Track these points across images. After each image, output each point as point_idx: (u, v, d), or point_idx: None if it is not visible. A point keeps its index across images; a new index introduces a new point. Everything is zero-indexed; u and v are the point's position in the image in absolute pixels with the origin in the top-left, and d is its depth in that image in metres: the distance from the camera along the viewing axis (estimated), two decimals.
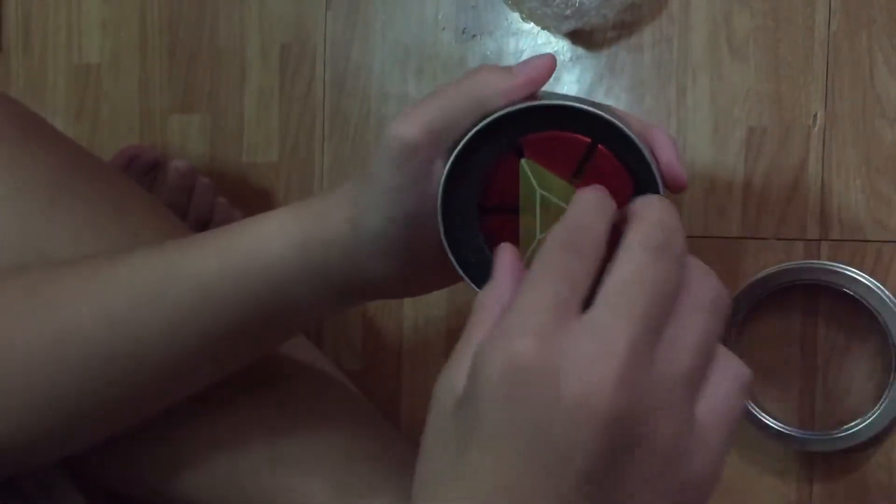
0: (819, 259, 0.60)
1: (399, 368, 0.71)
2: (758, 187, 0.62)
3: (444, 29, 0.71)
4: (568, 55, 0.67)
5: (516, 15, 0.68)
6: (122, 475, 0.55)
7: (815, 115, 0.60)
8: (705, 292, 0.32)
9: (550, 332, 0.30)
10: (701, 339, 0.32)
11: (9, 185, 0.52)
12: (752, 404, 0.61)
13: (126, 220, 0.54)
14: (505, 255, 0.35)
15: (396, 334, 0.72)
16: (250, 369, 0.53)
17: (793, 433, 0.60)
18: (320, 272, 0.43)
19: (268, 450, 0.53)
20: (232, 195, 0.75)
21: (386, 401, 0.71)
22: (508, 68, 0.41)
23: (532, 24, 0.68)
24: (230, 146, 0.78)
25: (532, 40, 0.69)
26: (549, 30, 0.68)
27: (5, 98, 0.61)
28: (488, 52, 0.70)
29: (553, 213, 0.39)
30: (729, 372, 0.33)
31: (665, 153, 0.39)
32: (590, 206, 0.34)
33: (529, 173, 0.40)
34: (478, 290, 0.40)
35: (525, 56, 0.69)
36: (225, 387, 0.52)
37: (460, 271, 0.41)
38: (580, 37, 0.67)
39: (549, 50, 0.68)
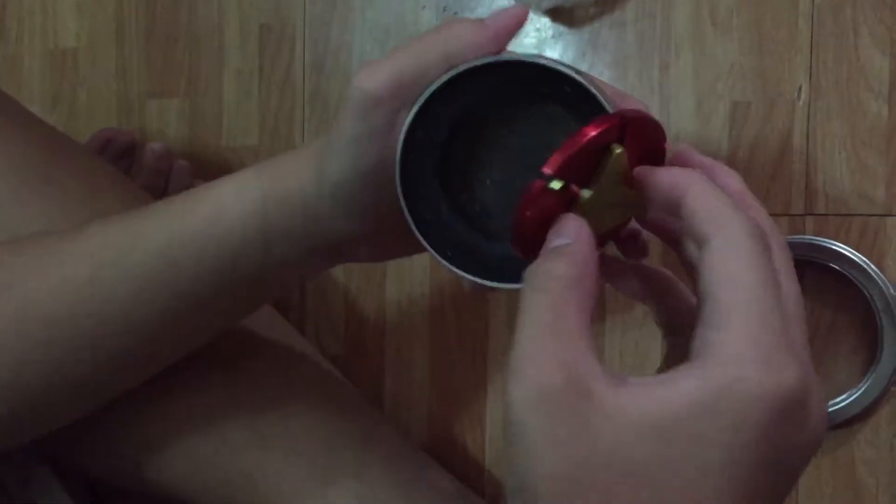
0: (804, 234, 0.60)
1: (382, 350, 0.71)
2: (742, 162, 0.61)
3: (424, 7, 0.70)
4: (549, 32, 0.67)
5: None
6: (103, 464, 0.54)
7: (800, 89, 0.60)
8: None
9: (800, 356, 0.30)
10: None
11: None
12: None
13: (98, 202, 0.53)
14: (577, 227, 0.32)
15: (379, 315, 0.71)
16: (225, 349, 0.53)
17: None
18: (281, 232, 0.42)
19: (248, 431, 0.53)
20: (211, 179, 0.74)
21: (369, 383, 0.70)
22: (480, 21, 0.40)
23: (512, 1, 0.67)
24: (209, 130, 0.77)
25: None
26: (529, 7, 0.67)
27: None
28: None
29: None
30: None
31: None
32: (763, 214, 0.34)
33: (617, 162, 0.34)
34: (430, 248, 0.40)
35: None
36: (199, 367, 0.52)
37: (413, 227, 0.40)
38: (561, 14, 0.66)
39: (530, 28, 0.67)
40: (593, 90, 0.38)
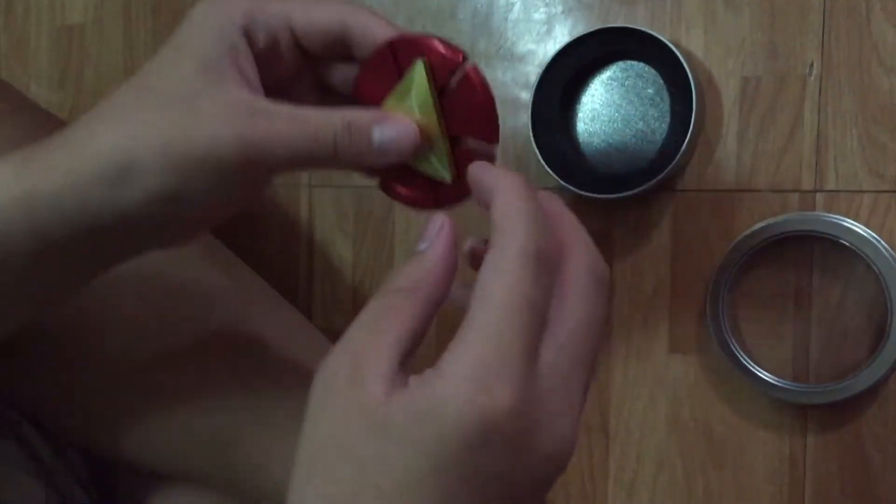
0: (815, 210, 0.60)
1: None
2: (752, 139, 0.61)
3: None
4: (560, 8, 0.66)
5: None
6: (108, 449, 0.54)
7: (811, 65, 0.60)
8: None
9: (526, 380, 0.30)
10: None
11: None
12: (747, 358, 0.60)
13: None
14: (441, 228, 0.34)
15: None
16: (222, 334, 0.52)
17: (787, 386, 0.60)
18: (52, 232, 0.38)
19: (249, 412, 0.52)
20: None
21: None
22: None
23: None
24: None
25: None
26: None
27: None
28: (479, 6, 0.69)
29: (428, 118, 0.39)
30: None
31: None
32: (539, 212, 0.33)
33: (425, 74, 0.38)
34: (545, 164, 0.61)
35: (515, 12, 0.68)
36: (197, 351, 0.52)
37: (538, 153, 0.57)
38: None
39: (540, 3, 0.67)
40: (675, 50, 0.59)
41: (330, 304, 0.74)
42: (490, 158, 0.39)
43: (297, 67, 0.41)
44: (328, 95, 0.42)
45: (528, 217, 0.32)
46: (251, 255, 0.65)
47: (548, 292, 0.32)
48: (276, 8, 0.38)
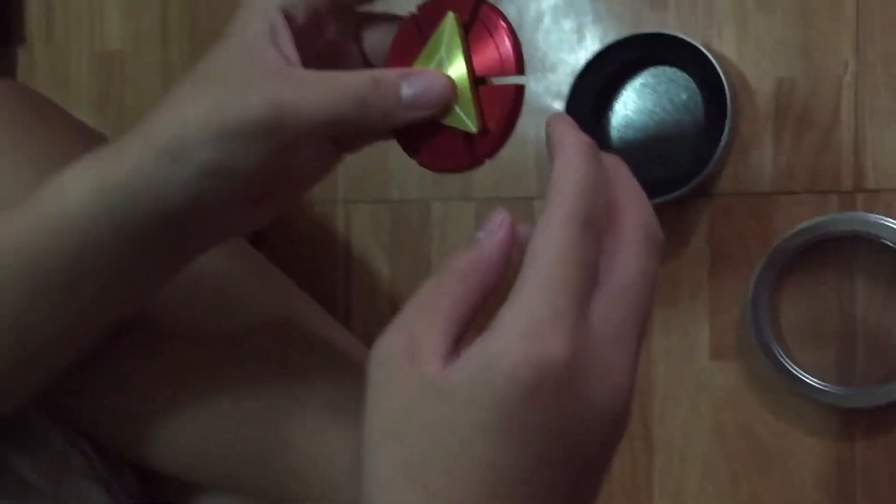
0: (854, 210, 0.59)
1: None
2: (788, 140, 0.61)
3: None
4: (589, 16, 0.66)
5: None
6: (156, 462, 0.55)
7: (846, 63, 0.59)
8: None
9: (579, 332, 0.31)
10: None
11: (22, 161, 0.52)
12: (790, 362, 0.59)
13: None
14: (502, 222, 0.35)
15: None
16: (260, 334, 0.53)
17: (833, 390, 0.59)
18: (125, 221, 0.40)
19: (297, 420, 0.53)
20: None
21: None
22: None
23: None
24: None
25: (553, 2, 0.68)
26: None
27: (15, 85, 0.61)
28: (509, 17, 0.69)
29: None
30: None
31: None
32: (596, 175, 0.34)
33: (455, 25, 0.39)
34: None
35: (546, 21, 0.68)
36: (246, 359, 0.52)
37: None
38: None
39: (569, 11, 0.67)
40: (707, 54, 0.59)
41: (369, 319, 0.75)
42: (520, 90, 0.39)
43: (342, 38, 0.42)
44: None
45: (581, 181, 0.33)
46: (289, 272, 0.65)
47: (596, 252, 0.33)
48: None
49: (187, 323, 0.54)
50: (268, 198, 0.42)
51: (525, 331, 0.30)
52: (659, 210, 0.62)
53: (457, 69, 0.39)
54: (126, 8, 0.85)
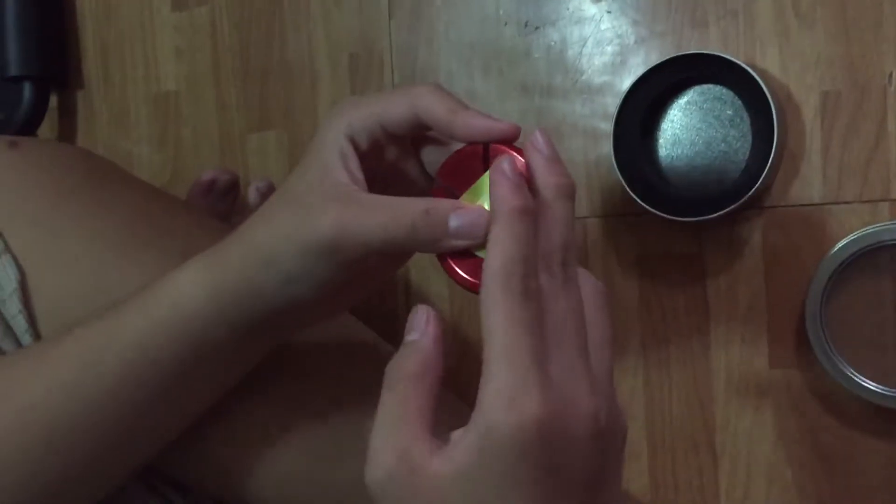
0: None
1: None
2: (837, 152, 0.62)
3: (506, 24, 0.72)
4: (632, 38, 0.68)
5: (577, 2, 0.69)
6: (197, 475, 0.57)
7: (891, 75, 0.60)
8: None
9: (545, 381, 0.36)
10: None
11: (83, 240, 0.55)
12: (850, 368, 0.61)
13: None
14: (429, 318, 0.40)
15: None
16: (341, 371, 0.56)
17: (893, 394, 0.60)
18: (235, 317, 0.46)
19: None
20: None
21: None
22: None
23: (595, 11, 0.69)
24: None
25: (595, 27, 0.69)
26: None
27: (76, 150, 0.63)
28: (552, 43, 0.71)
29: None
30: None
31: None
32: (524, 238, 0.38)
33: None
34: (630, 191, 0.62)
35: (589, 46, 0.69)
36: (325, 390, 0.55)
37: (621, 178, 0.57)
38: (643, 21, 0.67)
39: (612, 35, 0.68)
40: (751, 71, 0.59)
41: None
42: None
43: (403, 156, 0.47)
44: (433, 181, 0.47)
45: (508, 250, 0.37)
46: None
47: (539, 301, 0.37)
48: (366, 112, 0.44)
49: (269, 366, 0.56)
50: (346, 292, 0.48)
51: (502, 403, 0.35)
52: (711, 225, 0.64)
53: None
54: (178, 50, 0.88)
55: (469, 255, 0.43)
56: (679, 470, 0.67)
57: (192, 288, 0.46)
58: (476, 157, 0.43)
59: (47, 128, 0.95)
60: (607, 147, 0.65)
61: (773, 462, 0.65)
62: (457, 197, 0.43)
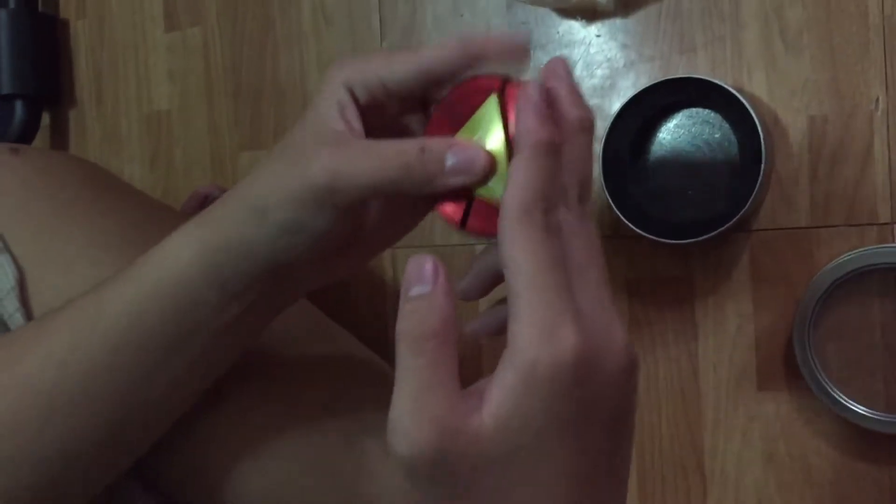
0: (892, 242, 0.60)
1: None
2: (824, 176, 0.62)
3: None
4: (621, 62, 0.68)
5: (567, 26, 0.70)
6: (176, 481, 0.57)
7: (877, 100, 0.60)
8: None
9: (578, 317, 0.34)
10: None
11: (80, 242, 0.55)
12: (838, 391, 0.61)
13: None
14: (435, 267, 0.36)
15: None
16: (324, 382, 0.55)
17: (881, 417, 0.60)
18: (227, 276, 0.45)
19: (374, 456, 0.54)
20: None
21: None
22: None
23: (585, 34, 0.69)
24: None
25: (585, 50, 0.70)
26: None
27: (74, 158, 0.64)
28: (541, 66, 0.71)
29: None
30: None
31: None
32: (548, 171, 0.36)
33: (496, 107, 0.41)
34: (618, 212, 0.61)
35: (579, 69, 0.70)
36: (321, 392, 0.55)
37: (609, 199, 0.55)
38: (633, 45, 0.68)
39: (602, 58, 0.69)
40: (738, 96, 0.60)
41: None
42: None
43: (405, 109, 0.45)
44: None
45: (531, 181, 0.36)
46: (339, 319, 0.68)
47: (560, 238, 0.36)
48: (367, 69, 0.43)
49: (257, 373, 0.56)
50: (344, 253, 0.46)
51: (540, 338, 0.33)
52: (700, 247, 0.64)
53: (498, 149, 0.41)
54: (171, 70, 0.88)
55: (464, 196, 0.42)
56: (668, 494, 0.67)
57: (181, 249, 0.45)
58: (472, 94, 0.42)
59: (40, 145, 0.95)
60: (596, 169, 0.66)
61: (761, 485, 0.65)
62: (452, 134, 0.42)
